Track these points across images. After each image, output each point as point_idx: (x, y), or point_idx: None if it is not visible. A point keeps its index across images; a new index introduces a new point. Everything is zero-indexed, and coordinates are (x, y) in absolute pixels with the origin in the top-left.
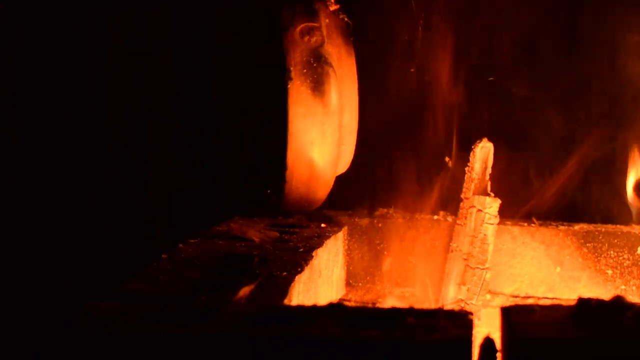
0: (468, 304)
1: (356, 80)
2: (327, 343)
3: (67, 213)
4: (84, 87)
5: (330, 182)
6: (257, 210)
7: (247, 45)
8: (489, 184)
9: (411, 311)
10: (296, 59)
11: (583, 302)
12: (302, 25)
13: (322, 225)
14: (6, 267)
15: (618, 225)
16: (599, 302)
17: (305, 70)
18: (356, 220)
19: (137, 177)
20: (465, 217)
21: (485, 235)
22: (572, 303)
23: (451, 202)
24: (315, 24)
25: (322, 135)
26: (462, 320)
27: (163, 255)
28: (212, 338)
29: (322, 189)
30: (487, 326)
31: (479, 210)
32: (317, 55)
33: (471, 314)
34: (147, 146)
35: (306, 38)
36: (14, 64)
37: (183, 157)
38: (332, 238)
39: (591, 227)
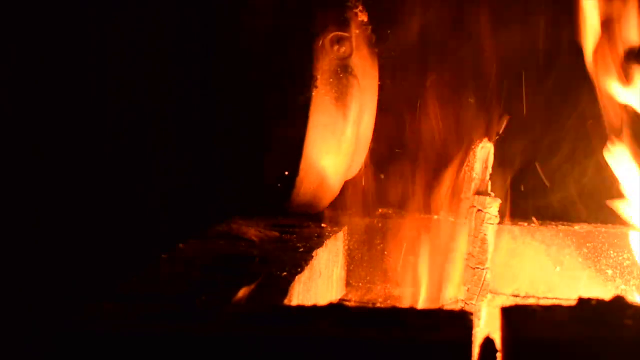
0: (468, 304)
1: (377, 93)
2: (327, 343)
3: (67, 213)
4: (84, 86)
5: (337, 191)
6: (258, 210)
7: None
8: (489, 183)
9: (411, 311)
10: (324, 67)
11: (583, 302)
12: (333, 34)
13: (322, 225)
14: (6, 268)
15: (618, 225)
16: (599, 302)
17: (331, 80)
18: (356, 220)
19: (137, 177)
20: (465, 217)
21: (485, 235)
22: (572, 303)
23: (451, 202)
24: (346, 34)
25: (338, 146)
26: (462, 320)
27: (163, 255)
28: (212, 338)
29: (327, 197)
30: (487, 326)
31: (479, 210)
32: (344, 66)
33: (471, 314)
34: (148, 146)
35: (335, 47)
36: (14, 64)
37: (183, 157)
38: (332, 238)
39: (591, 227)
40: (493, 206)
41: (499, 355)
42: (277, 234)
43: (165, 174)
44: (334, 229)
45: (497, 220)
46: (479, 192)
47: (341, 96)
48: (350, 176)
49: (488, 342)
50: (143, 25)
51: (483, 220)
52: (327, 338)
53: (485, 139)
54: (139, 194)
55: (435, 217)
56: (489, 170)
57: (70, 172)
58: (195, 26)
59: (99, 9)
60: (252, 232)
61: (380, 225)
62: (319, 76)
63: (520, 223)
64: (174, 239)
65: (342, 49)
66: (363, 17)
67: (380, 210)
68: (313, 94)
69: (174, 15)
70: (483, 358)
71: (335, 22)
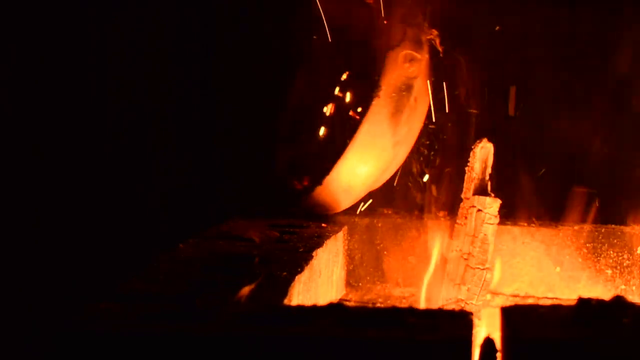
0: (468, 304)
1: (423, 122)
2: (327, 343)
3: (67, 213)
4: (84, 86)
5: (356, 199)
6: (258, 210)
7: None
8: (489, 184)
9: (411, 311)
10: (390, 80)
11: (583, 302)
12: (407, 52)
13: (322, 225)
14: (7, 268)
15: (618, 225)
16: (599, 302)
17: (393, 94)
18: (356, 220)
19: (137, 177)
20: (465, 217)
21: (485, 235)
22: (572, 303)
23: (451, 202)
24: (418, 56)
25: (377, 160)
26: (462, 320)
27: (163, 255)
28: (212, 338)
29: (344, 204)
30: (487, 326)
31: (479, 210)
32: (409, 86)
33: (471, 314)
34: (148, 146)
35: (406, 65)
36: (14, 64)
37: (183, 157)
38: (332, 238)
39: (591, 227)
40: (493, 206)
41: (499, 355)
42: (277, 234)
43: (165, 174)
44: (334, 229)
45: (497, 220)
46: (479, 192)
47: (397, 113)
48: (373, 188)
49: (488, 342)
50: (143, 25)
51: (483, 221)
52: (327, 338)
53: (485, 139)
54: (139, 194)
55: (435, 217)
56: (489, 170)
57: (70, 172)
58: (195, 26)
59: (99, 9)
60: (252, 232)
61: (380, 225)
62: (383, 87)
63: (520, 223)
64: (174, 239)
65: (412, 69)
66: (435, 45)
67: (380, 210)
68: (373, 102)
69: (174, 15)
70: (483, 358)
71: (412, 40)
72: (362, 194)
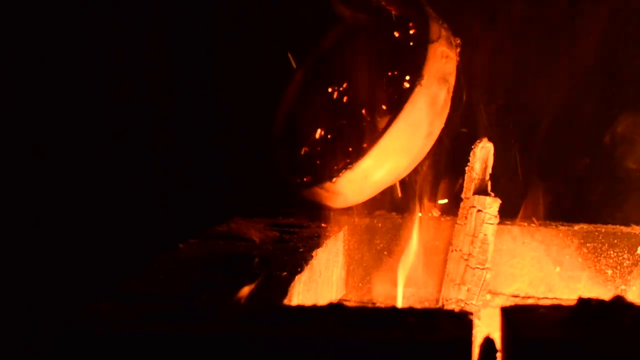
0: (468, 304)
1: (445, 121)
2: (327, 343)
3: (67, 213)
4: (84, 86)
5: (377, 192)
6: (258, 210)
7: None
8: (489, 184)
9: (411, 311)
10: (431, 71)
11: (583, 302)
12: (444, 47)
13: (322, 225)
14: (6, 268)
15: (618, 226)
16: (599, 302)
17: (432, 86)
18: (356, 220)
19: (137, 177)
20: (465, 217)
21: (485, 235)
22: (572, 303)
23: (451, 202)
24: (452, 54)
25: (409, 149)
26: (462, 320)
27: (163, 255)
28: (212, 338)
29: (367, 194)
30: (487, 326)
31: (479, 210)
32: (445, 79)
33: (471, 314)
34: (148, 146)
35: (443, 60)
36: (14, 64)
37: (183, 157)
38: (332, 238)
39: (591, 227)
40: (493, 206)
41: (499, 355)
42: (277, 234)
43: (165, 174)
44: (334, 229)
45: (497, 220)
46: (479, 192)
47: (434, 104)
48: (397, 180)
49: (488, 342)
50: (143, 25)
51: (483, 221)
52: (327, 338)
53: (485, 139)
54: (139, 194)
55: (435, 217)
56: (489, 170)
57: (70, 172)
58: (195, 26)
59: (99, 9)
60: (252, 232)
61: (380, 225)
62: (425, 76)
63: (520, 223)
64: (174, 239)
65: (448, 65)
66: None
67: (380, 210)
68: (415, 90)
69: (174, 15)
70: (483, 358)
71: (446, 40)
72: (387, 184)
